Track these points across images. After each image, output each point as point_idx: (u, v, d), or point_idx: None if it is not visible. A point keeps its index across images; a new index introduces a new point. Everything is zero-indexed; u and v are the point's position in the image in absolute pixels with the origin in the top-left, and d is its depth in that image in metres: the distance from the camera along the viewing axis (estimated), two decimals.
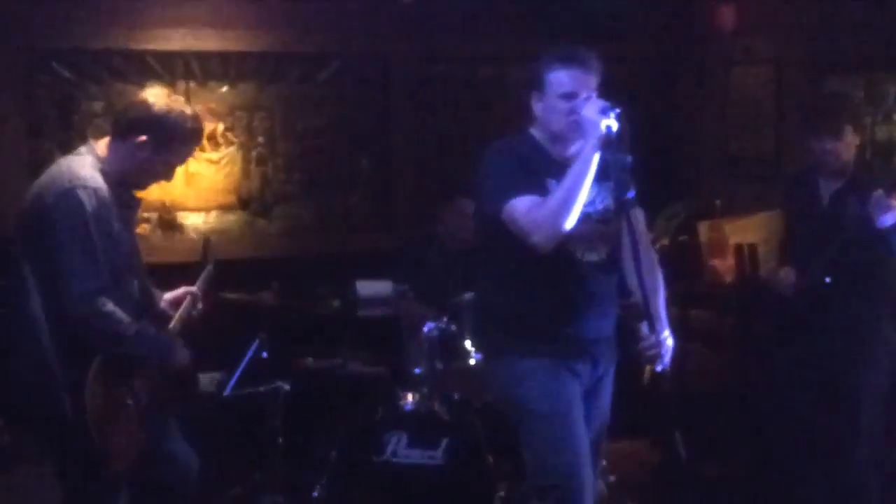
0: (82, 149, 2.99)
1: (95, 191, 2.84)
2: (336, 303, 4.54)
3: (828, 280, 3.70)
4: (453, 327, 4.10)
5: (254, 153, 5.24)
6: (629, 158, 2.78)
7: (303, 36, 5.20)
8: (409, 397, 3.96)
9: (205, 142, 5.08)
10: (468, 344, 4.06)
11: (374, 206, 5.45)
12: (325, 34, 5.23)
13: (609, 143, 2.78)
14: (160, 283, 3.25)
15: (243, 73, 5.18)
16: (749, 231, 4.77)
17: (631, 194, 2.79)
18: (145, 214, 4.96)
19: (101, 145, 2.99)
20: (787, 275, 3.84)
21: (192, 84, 5.08)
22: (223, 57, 5.12)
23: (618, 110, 2.79)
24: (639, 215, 3.07)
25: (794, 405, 3.94)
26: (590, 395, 3.10)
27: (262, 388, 4.10)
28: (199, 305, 3.27)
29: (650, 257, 3.09)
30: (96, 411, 2.79)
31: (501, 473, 3.94)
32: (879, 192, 3.49)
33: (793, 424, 3.97)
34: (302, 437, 4.21)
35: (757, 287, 4.39)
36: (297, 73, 5.28)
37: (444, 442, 3.79)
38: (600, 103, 2.85)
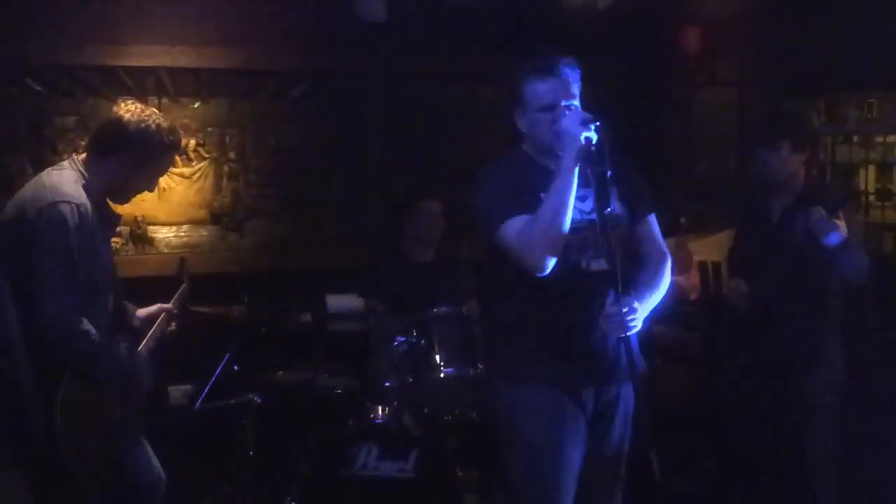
0: (65, 163, 2.98)
1: (78, 206, 2.83)
2: (306, 317, 4.57)
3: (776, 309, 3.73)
4: (423, 341, 4.12)
5: (226, 168, 5.26)
6: (609, 172, 2.70)
7: (275, 53, 5.22)
8: (380, 410, 3.99)
9: (176, 157, 5.11)
10: (437, 358, 4.10)
11: (345, 222, 5.48)
12: (297, 52, 5.25)
13: (588, 156, 2.71)
14: (130, 297, 3.26)
15: (216, 89, 5.19)
16: (713, 249, 4.83)
17: (611, 209, 2.72)
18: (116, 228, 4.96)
19: (82, 160, 2.98)
20: (738, 285, 3.84)
21: (165, 100, 5.08)
22: (195, 73, 5.13)
23: (597, 122, 2.71)
24: (650, 222, 3.02)
25: (752, 419, 4.00)
26: (599, 421, 2.94)
27: (232, 402, 4.11)
28: (173, 324, 3.30)
29: (656, 271, 2.98)
30: (66, 422, 2.78)
31: (471, 486, 3.98)
32: (820, 212, 3.48)
33: (752, 438, 4.02)
34: (272, 450, 4.21)
35: (720, 303, 4.47)
36: (270, 89, 5.31)
37: (414, 455, 3.81)
38: (579, 114, 2.76)
